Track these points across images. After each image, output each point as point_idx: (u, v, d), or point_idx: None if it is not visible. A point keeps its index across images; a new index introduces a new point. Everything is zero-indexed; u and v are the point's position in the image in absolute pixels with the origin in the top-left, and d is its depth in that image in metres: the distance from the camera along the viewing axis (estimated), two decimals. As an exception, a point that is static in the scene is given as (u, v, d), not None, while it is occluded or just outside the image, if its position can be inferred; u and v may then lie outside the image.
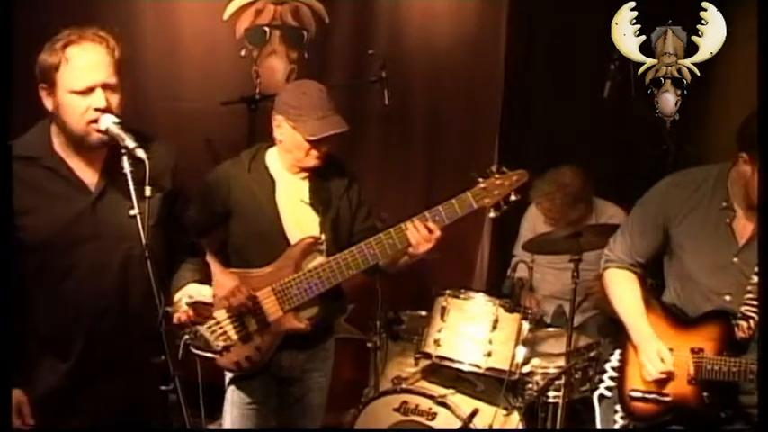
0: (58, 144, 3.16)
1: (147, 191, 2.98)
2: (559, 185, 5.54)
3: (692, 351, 3.65)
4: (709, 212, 3.65)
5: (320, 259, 4.03)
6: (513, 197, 3.98)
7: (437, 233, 3.92)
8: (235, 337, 4.00)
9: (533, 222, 5.81)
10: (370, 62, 5.77)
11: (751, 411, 3.60)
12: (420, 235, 3.91)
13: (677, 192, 3.74)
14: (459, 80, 6.34)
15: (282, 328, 4.04)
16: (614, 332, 3.98)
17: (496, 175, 3.97)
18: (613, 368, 3.85)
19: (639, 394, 3.73)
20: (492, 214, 4.02)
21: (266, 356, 4.06)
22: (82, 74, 3.04)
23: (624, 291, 3.86)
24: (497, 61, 6.39)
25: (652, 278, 3.95)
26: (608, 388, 3.85)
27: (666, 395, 3.68)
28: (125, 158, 3.02)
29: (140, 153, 3.00)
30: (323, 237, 4.06)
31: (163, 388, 2.99)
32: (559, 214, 5.61)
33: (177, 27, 5.82)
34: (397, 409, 4.78)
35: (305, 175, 4.09)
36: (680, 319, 3.73)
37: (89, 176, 3.18)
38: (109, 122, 3.07)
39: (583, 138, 6.29)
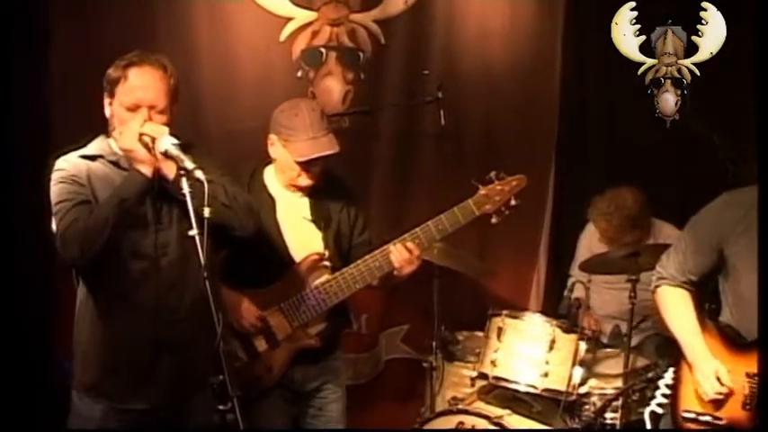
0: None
1: (206, 211, 3.01)
2: (618, 206, 5.47)
3: (748, 375, 3.57)
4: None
5: (326, 275, 4.06)
6: (513, 202, 4.05)
7: (417, 253, 3.98)
8: (244, 357, 4.03)
9: (590, 242, 5.76)
10: (426, 82, 5.80)
11: None
12: (402, 258, 3.96)
13: (731, 212, 3.67)
14: (513, 100, 6.30)
15: (293, 345, 4.07)
16: (672, 353, 3.92)
17: (496, 182, 4.04)
18: (667, 386, 3.78)
19: (692, 415, 3.65)
20: (494, 220, 4.07)
21: (277, 375, 4.07)
22: (132, 92, 3.40)
23: (678, 308, 3.80)
24: (553, 82, 6.35)
25: (709, 302, 3.88)
26: (660, 405, 3.78)
27: (720, 418, 3.60)
28: (184, 179, 3.07)
29: (199, 174, 3.05)
30: (327, 253, 4.09)
31: (221, 408, 2.99)
32: (615, 235, 5.55)
33: (234, 49, 5.87)
34: (453, 430, 4.75)
35: (303, 192, 4.12)
36: (735, 340, 3.65)
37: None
38: (168, 144, 3.12)
39: (640, 159, 6.22)
